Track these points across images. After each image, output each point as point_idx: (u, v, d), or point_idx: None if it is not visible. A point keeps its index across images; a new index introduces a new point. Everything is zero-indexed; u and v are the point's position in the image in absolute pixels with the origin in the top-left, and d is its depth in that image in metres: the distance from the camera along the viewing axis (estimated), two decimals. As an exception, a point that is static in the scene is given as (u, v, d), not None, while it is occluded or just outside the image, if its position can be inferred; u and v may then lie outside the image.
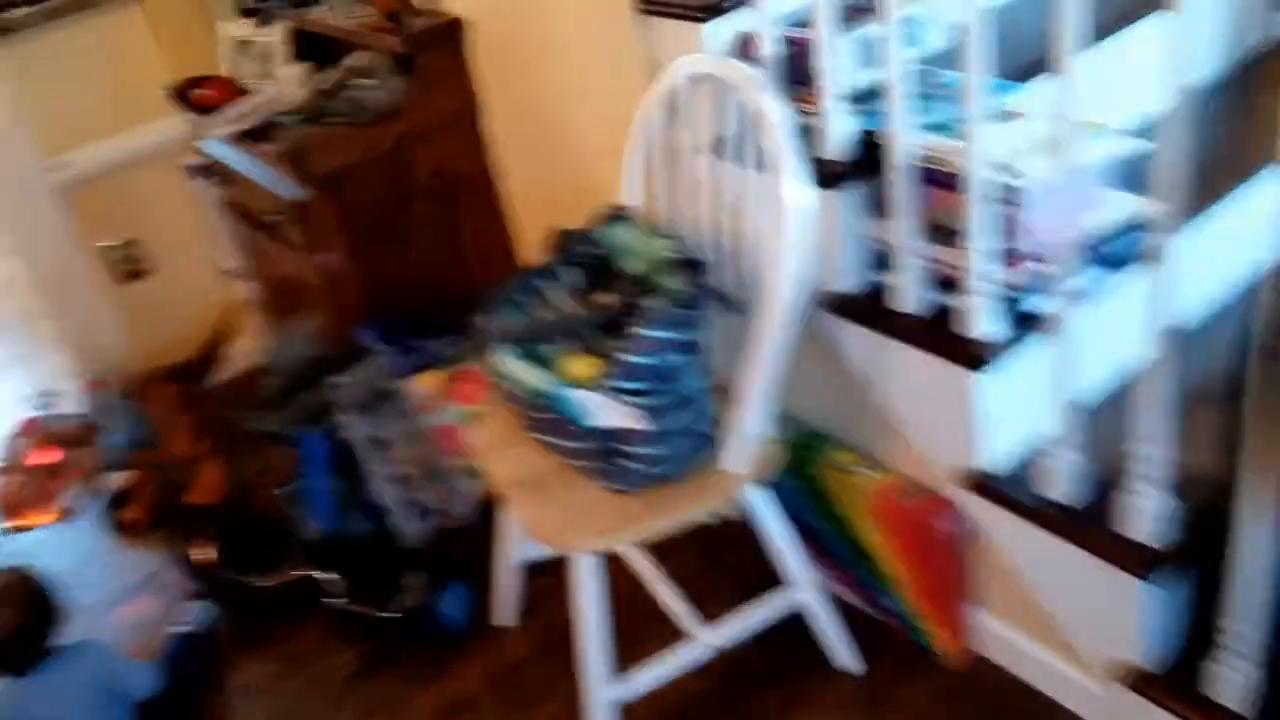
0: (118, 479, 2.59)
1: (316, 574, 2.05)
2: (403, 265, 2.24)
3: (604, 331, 1.47)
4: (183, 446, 2.45)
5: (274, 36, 2.48)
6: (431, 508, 2.17)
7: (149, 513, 2.55)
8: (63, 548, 2.17)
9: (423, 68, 2.08)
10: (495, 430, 1.62)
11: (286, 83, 2.32)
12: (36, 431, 2.16)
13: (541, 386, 1.44)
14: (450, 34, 2.08)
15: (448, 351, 2.19)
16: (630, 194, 1.64)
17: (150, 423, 2.42)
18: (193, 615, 2.17)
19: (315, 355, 2.30)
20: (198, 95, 2.56)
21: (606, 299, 1.52)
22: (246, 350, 3.08)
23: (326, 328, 2.33)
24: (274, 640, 2.07)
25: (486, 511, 2.22)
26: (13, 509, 2.10)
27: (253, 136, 2.24)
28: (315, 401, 2.18)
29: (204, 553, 2.23)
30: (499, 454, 1.58)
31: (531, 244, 2.33)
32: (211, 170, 2.62)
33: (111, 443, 2.29)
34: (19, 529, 2.13)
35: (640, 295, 1.46)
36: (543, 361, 1.48)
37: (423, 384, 2.11)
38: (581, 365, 1.44)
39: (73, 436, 2.22)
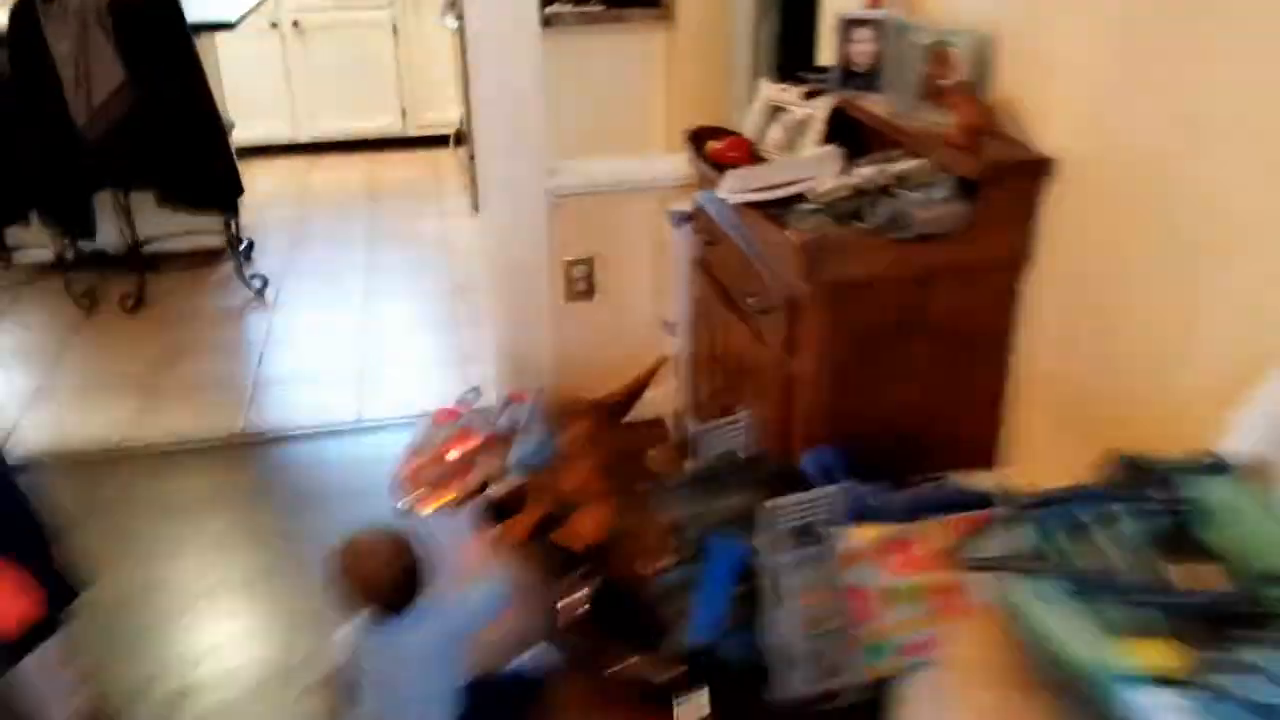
0: (506, 490, 2.56)
1: (678, 698, 1.84)
2: (873, 401, 1.98)
3: (1195, 620, 1.11)
4: (578, 481, 2.36)
5: (813, 111, 2.33)
6: (817, 672, 1.90)
7: (528, 535, 2.49)
8: (437, 535, 2.12)
9: (987, 199, 1.82)
10: (976, 657, 1.31)
11: (815, 164, 2.15)
12: (454, 424, 2.13)
13: (1088, 660, 1.11)
14: (1032, 171, 1.80)
15: (894, 507, 1.91)
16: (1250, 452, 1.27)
17: (557, 449, 2.34)
18: (536, 655, 2.05)
19: (749, 457, 2.10)
20: (713, 148, 2.46)
21: (1201, 575, 1.17)
22: (659, 406, 2.99)
23: (766, 432, 2.13)
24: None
25: (874, 702, 1.92)
26: (413, 490, 2.08)
27: (764, 209, 2.08)
28: (735, 505, 1.98)
29: (576, 598, 2.11)
30: (973, 693, 1.28)
31: (1030, 439, 1.99)
32: (698, 224, 2.52)
33: (516, 455, 2.23)
34: (411, 509, 2.10)
35: (1260, 595, 1.10)
36: (1091, 622, 1.16)
37: (859, 536, 1.84)
38: (1157, 653, 1.09)
39: (483, 439, 2.17)
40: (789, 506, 1.79)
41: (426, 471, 2.09)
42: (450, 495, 2.09)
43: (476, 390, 2.29)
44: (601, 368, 2.94)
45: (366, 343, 3.57)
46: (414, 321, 3.75)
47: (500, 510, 2.56)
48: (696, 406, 2.68)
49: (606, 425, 2.49)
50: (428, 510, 2.11)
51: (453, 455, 2.11)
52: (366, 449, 2.91)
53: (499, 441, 2.20)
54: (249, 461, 2.88)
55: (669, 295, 2.77)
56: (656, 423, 2.97)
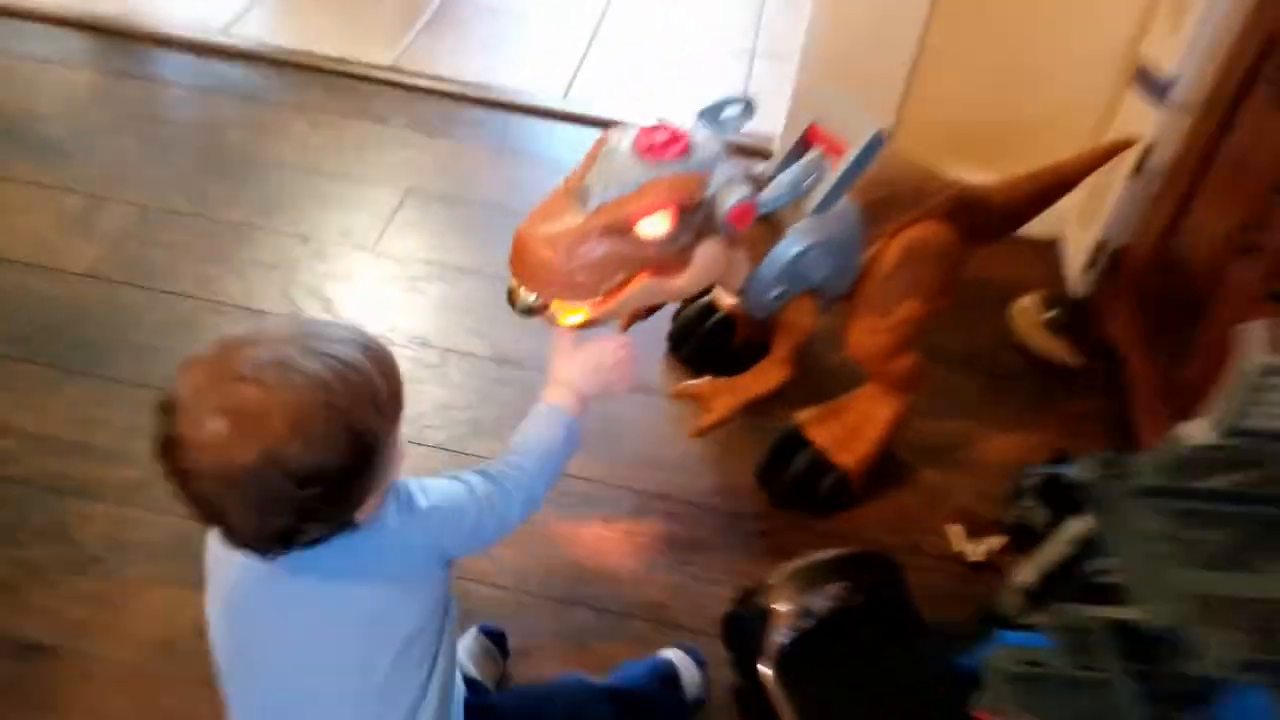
0: (734, 317, 1.38)
1: None
2: None
3: None
4: (881, 339, 1.15)
5: None
6: None
7: (729, 413, 1.31)
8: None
9: None
10: None
11: None
12: (671, 163, 0.94)
13: None
14: None
15: None
16: None
17: (861, 264, 1.13)
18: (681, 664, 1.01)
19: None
20: None
21: None
22: (1063, 220, 1.64)
23: None
24: None
25: None
26: (552, 279, 0.94)
27: None
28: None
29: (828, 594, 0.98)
30: None
31: None
32: None
33: (781, 257, 1.05)
34: (537, 312, 0.98)
35: None
36: None
37: None
38: None
39: (729, 209, 0.97)
40: None
41: (588, 247, 0.93)
42: (602, 298, 0.96)
43: (747, 106, 1.06)
44: (1002, 122, 1.62)
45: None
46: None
47: (710, 349, 1.40)
48: (1160, 269, 1.34)
49: (973, 240, 1.22)
50: (568, 319, 0.98)
51: (651, 227, 0.94)
52: (561, 149, 1.78)
53: (753, 222, 1.00)
54: (388, 112, 1.82)
55: (1174, 18, 1.37)
56: (1048, 248, 1.66)
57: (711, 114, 1.05)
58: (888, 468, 1.27)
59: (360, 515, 0.72)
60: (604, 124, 1.12)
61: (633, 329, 1.23)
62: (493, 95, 1.88)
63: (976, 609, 1.04)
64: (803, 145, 1.10)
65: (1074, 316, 1.50)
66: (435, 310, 1.45)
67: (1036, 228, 1.46)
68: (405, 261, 1.52)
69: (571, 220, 0.95)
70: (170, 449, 0.66)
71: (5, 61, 1.80)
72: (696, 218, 0.97)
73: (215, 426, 0.64)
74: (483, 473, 0.82)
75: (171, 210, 1.53)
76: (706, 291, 1.31)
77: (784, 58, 1.76)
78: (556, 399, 0.89)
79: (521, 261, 0.95)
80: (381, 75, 1.89)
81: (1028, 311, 1.51)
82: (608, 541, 1.18)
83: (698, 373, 1.33)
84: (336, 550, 0.72)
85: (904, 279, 1.14)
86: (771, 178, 1.04)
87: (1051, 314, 1.50)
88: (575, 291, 0.95)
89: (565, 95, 1.91)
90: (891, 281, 1.13)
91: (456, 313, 1.45)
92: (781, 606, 0.94)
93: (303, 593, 0.74)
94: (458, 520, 0.79)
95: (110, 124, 1.69)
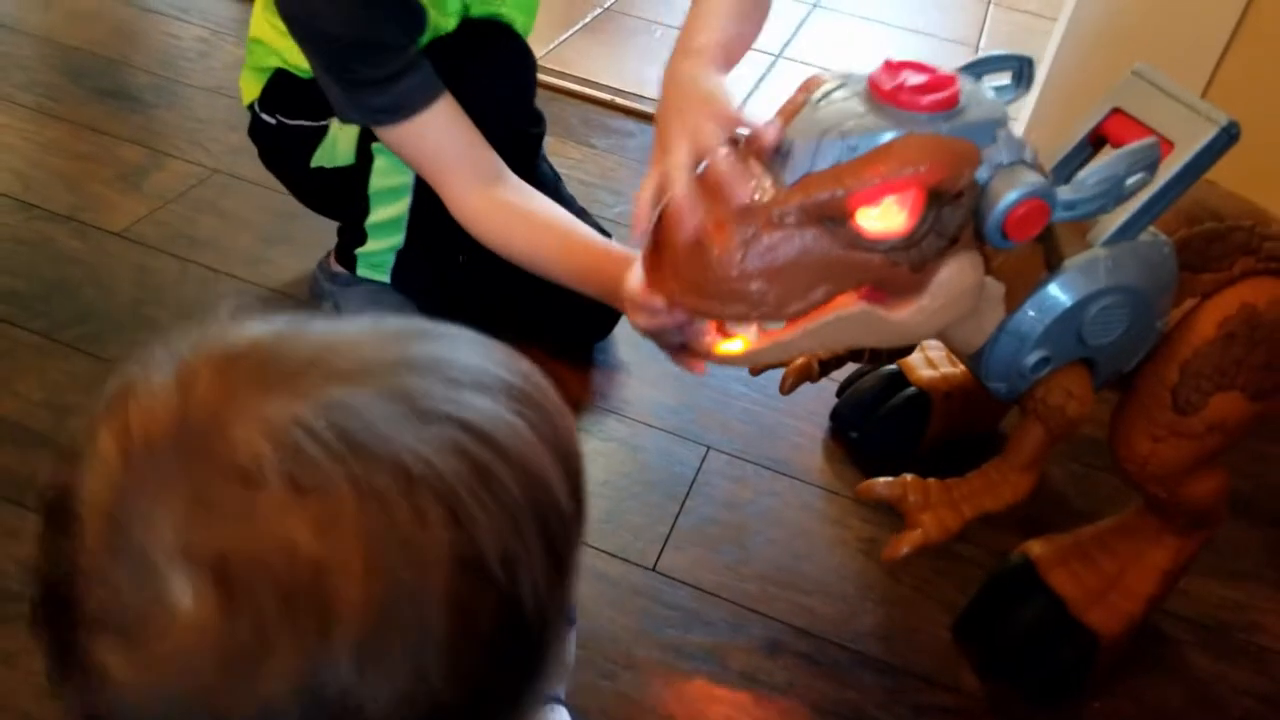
0: (960, 383, 1.01)
1: None
2: None
3: None
4: (1174, 455, 0.77)
5: None
6: None
7: (944, 533, 0.92)
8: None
9: None
10: None
11: None
12: (917, 113, 0.60)
13: None
14: None
15: None
16: None
17: (1159, 328, 0.75)
18: None
19: None
20: None
21: None
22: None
23: None
24: None
25: None
26: (701, 281, 0.61)
27: None
28: None
29: None
30: None
31: None
32: None
33: (1050, 302, 0.70)
34: (680, 350, 0.66)
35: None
36: None
37: None
38: None
39: (971, 196, 0.63)
40: None
41: (776, 238, 0.60)
42: (794, 334, 0.62)
43: (1024, 69, 0.72)
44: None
45: None
46: None
47: (892, 437, 1.01)
48: None
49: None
50: (725, 346, 0.65)
51: (881, 216, 0.60)
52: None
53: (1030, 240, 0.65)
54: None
55: None
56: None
57: (972, 76, 0.71)
58: (1140, 642, 0.87)
59: None
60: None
61: (771, 379, 0.88)
62: (650, 106, 1.58)
63: None
64: (1095, 141, 0.74)
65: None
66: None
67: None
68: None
69: (755, 194, 0.61)
70: (68, 650, 0.28)
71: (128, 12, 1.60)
72: (954, 214, 0.62)
73: (187, 604, 0.27)
74: None
75: (236, 175, 1.26)
76: (901, 352, 0.95)
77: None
78: None
79: (665, 251, 0.61)
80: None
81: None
82: (715, 690, 0.81)
83: (869, 465, 0.98)
84: None
85: (1223, 360, 0.75)
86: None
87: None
88: (745, 307, 0.61)
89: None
90: (1205, 362, 0.75)
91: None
92: None
93: None
94: None
95: (207, 82, 1.45)
